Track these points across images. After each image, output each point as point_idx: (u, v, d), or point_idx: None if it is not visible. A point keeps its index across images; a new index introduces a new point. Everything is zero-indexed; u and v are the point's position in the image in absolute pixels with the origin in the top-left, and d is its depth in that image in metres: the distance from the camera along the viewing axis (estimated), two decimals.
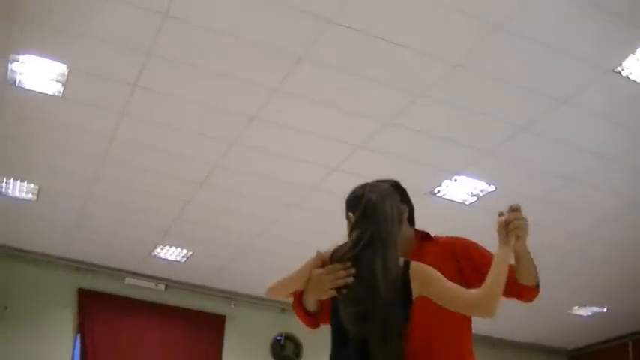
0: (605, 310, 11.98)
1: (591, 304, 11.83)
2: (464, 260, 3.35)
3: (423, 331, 3.22)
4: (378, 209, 3.09)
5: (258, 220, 9.13)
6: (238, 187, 8.30)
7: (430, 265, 3.14)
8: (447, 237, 3.56)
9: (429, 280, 3.06)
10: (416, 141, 7.06)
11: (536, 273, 3.29)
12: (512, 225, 2.98)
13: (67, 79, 6.45)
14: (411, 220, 3.51)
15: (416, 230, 3.52)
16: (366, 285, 3.00)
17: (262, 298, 11.93)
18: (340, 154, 7.35)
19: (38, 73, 6.43)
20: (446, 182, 7.86)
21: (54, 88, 6.60)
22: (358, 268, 3.02)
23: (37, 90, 6.64)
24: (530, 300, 3.38)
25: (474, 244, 3.46)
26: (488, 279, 2.98)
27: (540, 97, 6.40)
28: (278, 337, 12.18)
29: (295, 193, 8.32)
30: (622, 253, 9.68)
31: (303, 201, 8.39)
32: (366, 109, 6.68)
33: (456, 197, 8.19)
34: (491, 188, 7.88)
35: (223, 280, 11.48)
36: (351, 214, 3.15)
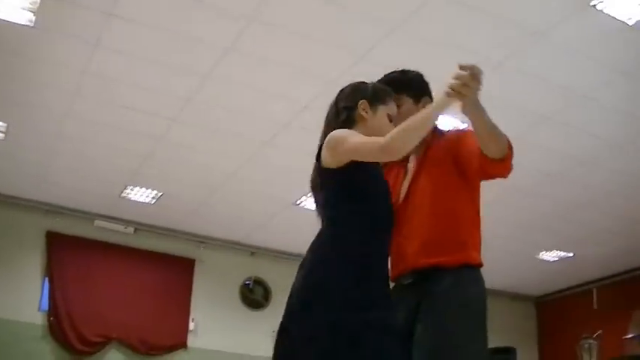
0: (571, 255, 12.10)
1: (558, 249, 11.95)
2: (461, 146, 3.42)
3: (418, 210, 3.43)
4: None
5: (231, 158, 9.04)
6: (212, 123, 8.21)
7: (433, 157, 3.41)
8: (454, 130, 3.71)
9: (333, 143, 3.27)
10: None
11: (501, 145, 3.24)
12: (454, 82, 3.01)
13: (38, 8, 6.30)
14: None
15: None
16: None
17: (232, 242, 11.98)
18: (314, 89, 7.25)
19: (8, 1, 6.27)
20: None
21: (25, 18, 6.44)
22: None
23: (8, 20, 6.47)
24: (498, 175, 3.35)
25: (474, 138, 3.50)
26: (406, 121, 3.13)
27: (516, 30, 6.37)
28: (247, 282, 12.25)
29: (270, 130, 8.23)
30: (594, 197, 9.73)
31: (278, 138, 8.30)
32: (342, 42, 6.63)
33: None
34: (464, 125, 7.78)
35: (193, 224, 11.46)
36: None
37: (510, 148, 3.28)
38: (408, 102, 3.55)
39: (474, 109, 3.13)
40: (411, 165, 3.61)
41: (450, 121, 7.74)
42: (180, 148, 8.86)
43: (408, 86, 3.58)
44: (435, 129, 3.58)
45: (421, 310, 3.29)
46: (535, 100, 7.43)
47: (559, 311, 14.08)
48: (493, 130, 3.20)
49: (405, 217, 3.45)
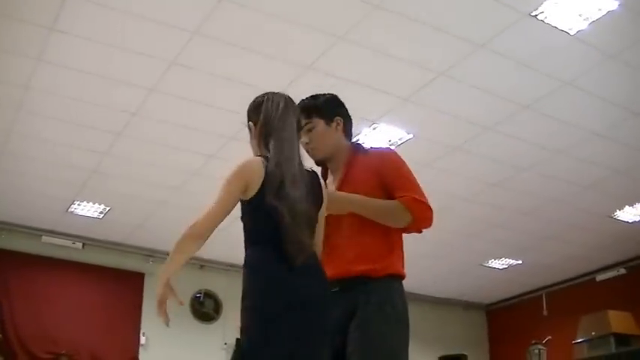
0: (520, 262, 12.23)
1: (507, 257, 12.07)
2: (383, 176, 3.68)
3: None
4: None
5: (178, 172, 9.03)
6: (157, 137, 8.17)
7: (356, 176, 3.43)
8: (378, 150, 3.96)
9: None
10: (335, 87, 6.98)
11: (396, 218, 3.58)
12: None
13: None
14: (348, 133, 3.93)
15: (352, 143, 3.94)
16: None
17: None
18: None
19: None
20: (365, 130, 7.78)
21: None
22: None
23: None
24: (413, 231, 3.67)
25: (397, 162, 3.76)
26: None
27: (459, 41, 6.44)
28: (197, 295, 12.18)
29: (215, 143, 8.21)
30: (540, 204, 9.86)
31: (223, 151, 8.28)
32: (287, 54, 6.65)
33: (375, 146, 8.09)
34: (410, 136, 7.90)
35: (141, 237, 11.36)
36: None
37: (417, 209, 3.57)
38: (320, 124, 3.81)
39: (342, 210, 3.55)
40: (332, 184, 3.81)
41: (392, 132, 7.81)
42: (126, 162, 8.80)
43: (319, 110, 3.83)
44: (354, 145, 3.93)
45: (357, 319, 3.44)
46: (477, 110, 7.51)
47: (509, 318, 14.21)
48: (372, 212, 3.57)
49: (330, 232, 3.56)
